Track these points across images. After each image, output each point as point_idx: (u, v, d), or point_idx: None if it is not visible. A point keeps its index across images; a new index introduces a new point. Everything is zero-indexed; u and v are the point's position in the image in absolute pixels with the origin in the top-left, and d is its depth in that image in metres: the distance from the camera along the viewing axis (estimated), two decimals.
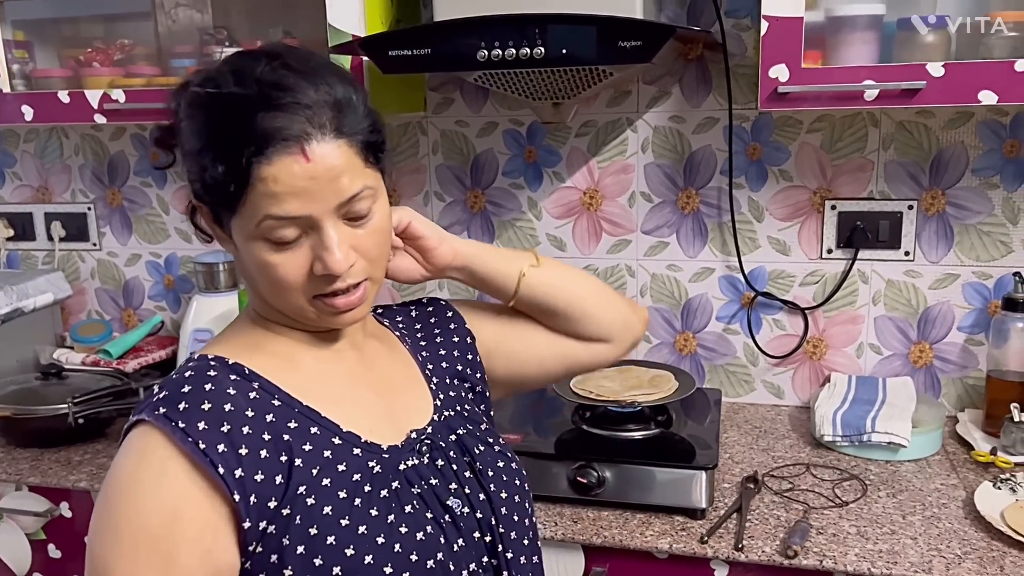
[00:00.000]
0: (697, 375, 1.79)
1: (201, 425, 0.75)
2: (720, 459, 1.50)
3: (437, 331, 1.02)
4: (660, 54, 1.29)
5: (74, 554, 1.58)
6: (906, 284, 1.66)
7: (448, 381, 0.98)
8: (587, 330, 1.07)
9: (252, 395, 0.80)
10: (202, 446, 0.74)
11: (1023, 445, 1.46)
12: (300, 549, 0.75)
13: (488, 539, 0.86)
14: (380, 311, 1.04)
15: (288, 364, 0.85)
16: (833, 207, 1.66)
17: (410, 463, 0.85)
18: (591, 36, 1.27)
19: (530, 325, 1.07)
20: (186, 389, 0.77)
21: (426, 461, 0.86)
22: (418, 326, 1.02)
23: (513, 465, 0.93)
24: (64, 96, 1.72)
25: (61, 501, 1.56)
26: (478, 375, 1.02)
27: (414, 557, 0.79)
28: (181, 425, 0.74)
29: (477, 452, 0.90)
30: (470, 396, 1.01)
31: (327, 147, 0.75)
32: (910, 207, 1.63)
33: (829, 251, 1.68)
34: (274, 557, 0.75)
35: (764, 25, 1.34)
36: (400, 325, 1.02)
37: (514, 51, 1.31)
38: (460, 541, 0.83)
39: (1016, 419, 1.47)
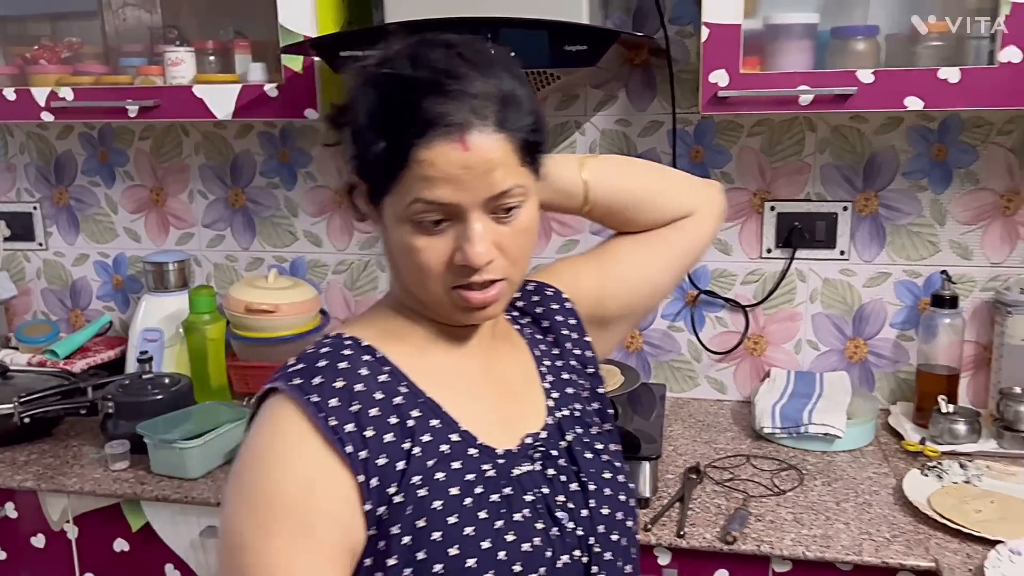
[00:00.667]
0: (643, 371, 1.83)
1: (333, 402, 0.75)
2: (664, 451, 1.55)
3: (546, 322, 0.98)
4: (606, 59, 1.33)
5: (20, 555, 1.56)
6: (841, 282, 1.73)
7: (564, 377, 0.95)
8: (670, 207, 1.02)
9: (382, 378, 0.80)
10: (332, 423, 0.74)
11: (950, 435, 1.53)
12: (406, 540, 0.74)
13: (584, 559, 0.82)
14: None
15: (419, 353, 0.85)
16: (772, 208, 1.72)
17: (524, 469, 0.83)
18: (538, 40, 1.31)
19: (619, 245, 1.03)
20: (321, 364, 0.78)
21: (538, 468, 0.84)
22: (527, 319, 0.98)
23: (620, 477, 0.89)
24: (10, 93, 1.70)
25: (6, 502, 1.54)
26: (590, 369, 0.98)
27: (517, 568, 0.76)
28: (315, 399, 0.75)
29: (585, 460, 0.87)
30: (584, 395, 0.96)
31: (487, 139, 0.75)
32: (845, 208, 1.70)
33: (768, 251, 1.74)
34: (382, 543, 0.75)
35: (705, 32, 1.39)
36: (516, 315, 0.99)
37: None
38: (565, 558, 0.80)
39: (943, 410, 1.54)
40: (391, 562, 0.74)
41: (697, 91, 1.45)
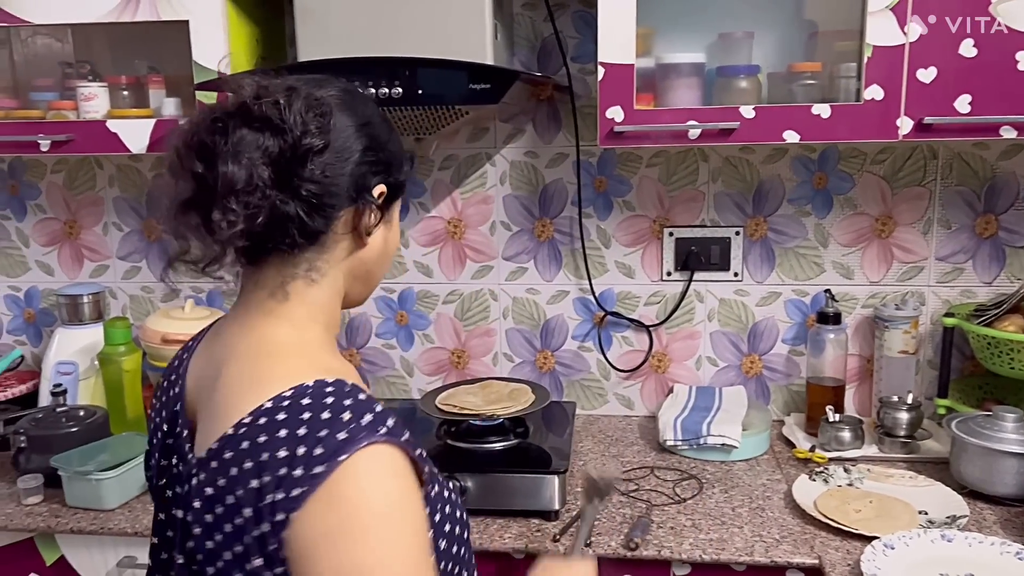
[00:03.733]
0: (555, 390, 1.92)
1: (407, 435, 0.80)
2: (574, 465, 1.62)
3: None
4: (513, 95, 1.42)
5: None
6: (736, 302, 1.84)
7: None
8: None
9: None
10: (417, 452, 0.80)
11: (836, 442, 1.65)
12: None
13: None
14: None
15: None
16: (671, 234, 1.83)
17: None
18: (445, 79, 1.39)
19: None
20: (378, 408, 0.78)
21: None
22: None
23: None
24: None
25: None
26: None
27: None
28: (404, 439, 0.78)
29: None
30: None
31: None
32: (737, 233, 1.82)
33: (668, 273, 1.85)
34: None
35: (601, 71, 1.49)
36: None
37: (373, 90, 1.41)
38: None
39: (831, 420, 1.66)
40: None
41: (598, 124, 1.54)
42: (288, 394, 0.77)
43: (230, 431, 0.76)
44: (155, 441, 0.91)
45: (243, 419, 0.76)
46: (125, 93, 1.77)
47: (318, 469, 0.72)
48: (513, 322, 1.92)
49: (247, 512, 0.74)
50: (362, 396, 0.79)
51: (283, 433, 0.74)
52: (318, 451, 0.73)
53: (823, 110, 1.46)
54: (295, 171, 0.80)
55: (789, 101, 1.56)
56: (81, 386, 1.85)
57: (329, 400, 0.77)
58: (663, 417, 1.72)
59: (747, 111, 1.48)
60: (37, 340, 2.08)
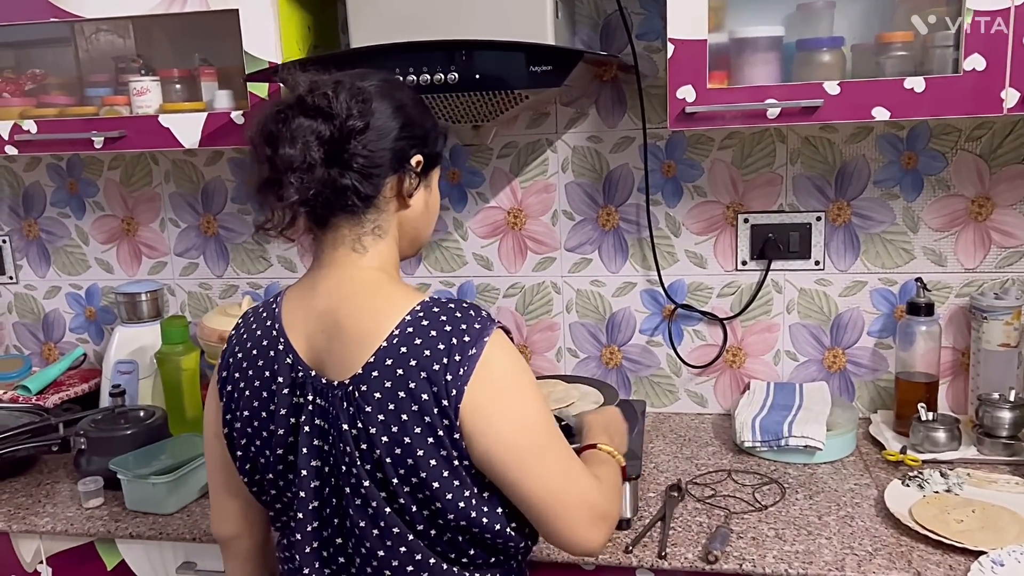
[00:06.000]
0: (623, 387, 1.83)
1: None
2: (645, 469, 1.53)
3: None
4: (575, 76, 1.33)
5: None
6: (817, 292, 1.73)
7: None
8: None
9: None
10: None
11: (930, 443, 1.53)
12: None
13: None
14: None
15: None
16: (746, 220, 1.72)
17: None
18: (502, 61, 1.31)
19: None
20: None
21: None
22: None
23: None
24: None
25: None
26: None
27: None
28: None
29: None
30: None
31: None
32: (818, 218, 1.69)
33: (744, 263, 1.74)
34: None
35: (670, 48, 1.38)
36: None
37: (428, 76, 1.34)
38: None
39: (923, 418, 1.54)
40: None
41: (667, 106, 1.44)
42: (418, 309, 0.98)
43: (384, 344, 0.95)
44: (256, 404, 1.03)
45: (392, 332, 0.96)
46: (177, 87, 1.73)
47: (472, 351, 0.95)
48: (577, 316, 1.84)
49: (424, 396, 0.93)
50: (467, 301, 1.01)
51: (433, 333, 0.95)
52: (467, 338, 0.95)
53: (916, 84, 1.33)
54: (344, 148, 0.96)
55: (877, 75, 1.43)
56: (141, 385, 1.84)
57: (451, 305, 0.99)
58: (740, 416, 1.62)
59: (831, 87, 1.36)
60: (99, 338, 2.08)
